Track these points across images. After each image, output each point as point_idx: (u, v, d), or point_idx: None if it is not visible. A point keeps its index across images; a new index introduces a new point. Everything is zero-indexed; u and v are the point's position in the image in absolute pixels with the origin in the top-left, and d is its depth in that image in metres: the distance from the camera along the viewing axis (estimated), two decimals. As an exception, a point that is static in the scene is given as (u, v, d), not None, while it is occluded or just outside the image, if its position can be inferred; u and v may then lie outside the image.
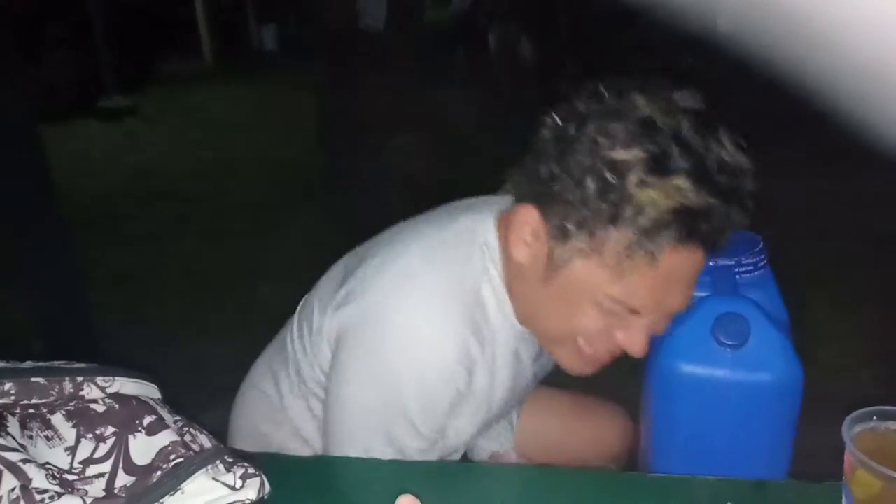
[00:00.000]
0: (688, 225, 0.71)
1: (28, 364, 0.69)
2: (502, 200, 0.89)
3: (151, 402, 0.68)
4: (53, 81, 5.35)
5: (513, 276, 0.83)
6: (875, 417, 0.67)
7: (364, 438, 0.85)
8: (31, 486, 0.56)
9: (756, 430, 0.86)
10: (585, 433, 1.22)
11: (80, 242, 2.39)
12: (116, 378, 0.69)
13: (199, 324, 2.71)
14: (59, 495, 0.57)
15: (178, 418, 0.69)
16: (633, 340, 0.78)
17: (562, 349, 0.83)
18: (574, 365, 0.84)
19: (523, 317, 0.85)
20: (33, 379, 0.66)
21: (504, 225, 0.84)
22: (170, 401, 0.72)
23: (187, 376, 2.21)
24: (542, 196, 0.78)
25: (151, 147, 5.18)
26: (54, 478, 0.59)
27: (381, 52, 4.17)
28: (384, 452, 0.84)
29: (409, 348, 0.81)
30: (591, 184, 0.73)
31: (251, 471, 0.61)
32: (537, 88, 5.55)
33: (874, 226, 3.24)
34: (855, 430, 0.66)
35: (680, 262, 0.73)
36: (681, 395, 0.87)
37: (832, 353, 2.44)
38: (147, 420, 0.64)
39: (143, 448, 0.62)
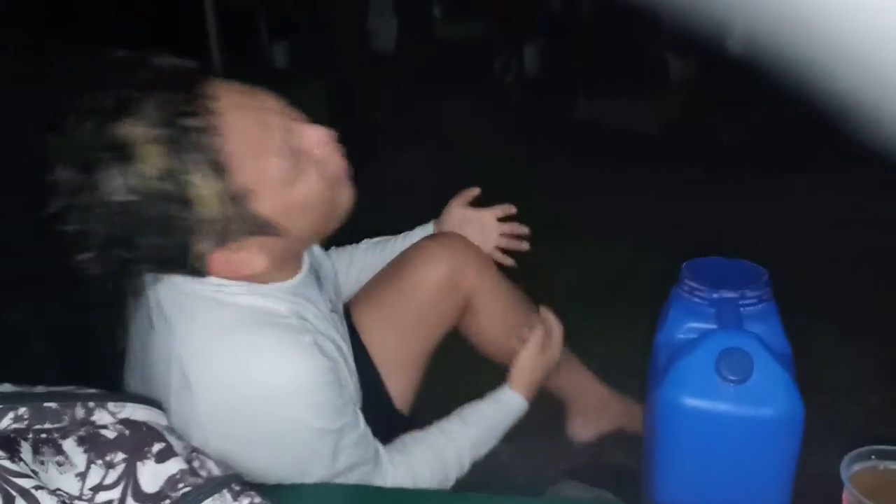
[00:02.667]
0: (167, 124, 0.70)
1: (41, 388, 0.70)
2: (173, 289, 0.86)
3: (160, 429, 0.69)
4: (62, 94, 5.40)
5: (264, 276, 0.83)
6: (873, 456, 0.68)
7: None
8: (42, 512, 0.58)
9: (758, 463, 0.86)
10: (416, 301, 1.17)
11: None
12: (127, 404, 0.71)
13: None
14: (70, 521, 0.58)
15: (185, 444, 0.70)
16: (312, 138, 0.80)
17: (335, 203, 0.84)
18: (348, 196, 0.85)
19: (288, 258, 0.86)
20: (46, 404, 0.68)
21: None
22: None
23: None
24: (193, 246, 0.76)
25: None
26: None
27: (392, 70, 4.23)
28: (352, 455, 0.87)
29: (275, 391, 0.81)
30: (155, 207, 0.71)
31: (257, 500, 0.62)
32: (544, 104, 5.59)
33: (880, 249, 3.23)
34: (853, 469, 0.67)
35: (224, 121, 0.73)
36: (684, 427, 0.87)
37: (838, 382, 2.43)
38: (156, 447, 0.65)
39: (151, 475, 0.63)
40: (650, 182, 4.10)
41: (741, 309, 0.93)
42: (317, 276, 0.96)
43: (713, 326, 0.91)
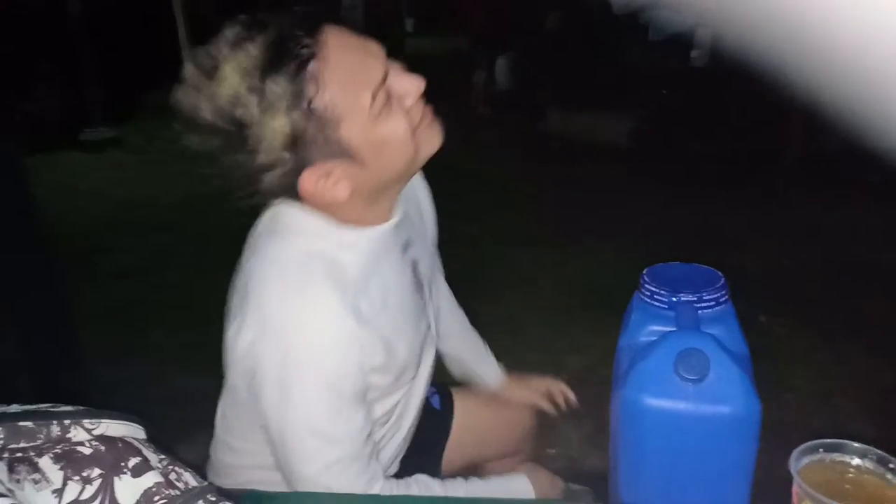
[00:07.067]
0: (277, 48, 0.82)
1: (15, 407, 0.71)
2: (274, 213, 1.00)
3: (136, 444, 0.71)
4: (36, 114, 5.36)
5: (348, 210, 0.94)
6: (821, 450, 0.71)
7: (322, 422, 0.94)
8: (19, 529, 0.59)
9: (717, 460, 0.89)
10: (501, 431, 1.42)
11: (66, 275, 2.39)
12: (102, 420, 0.72)
13: (186, 356, 2.72)
14: (47, 537, 0.59)
15: (162, 457, 0.71)
16: (405, 87, 0.90)
17: (417, 148, 0.93)
18: (433, 140, 0.95)
19: (375, 198, 0.95)
20: (21, 423, 0.69)
21: (304, 208, 0.94)
22: (156, 434, 0.75)
23: (174, 408, 2.22)
24: (289, 162, 0.87)
25: (136, 178, 5.20)
26: (42, 520, 0.62)
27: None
28: (352, 416, 0.95)
29: (305, 345, 0.91)
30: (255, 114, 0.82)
31: (233, 509, 0.64)
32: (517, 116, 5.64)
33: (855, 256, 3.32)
34: (802, 463, 0.70)
35: (322, 49, 0.84)
36: (646, 427, 0.90)
37: (807, 382, 2.49)
38: (132, 462, 0.67)
39: (128, 489, 0.64)
40: (619, 192, 4.17)
41: (699, 312, 0.96)
42: (405, 246, 1.05)
43: (673, 329, 0.94)
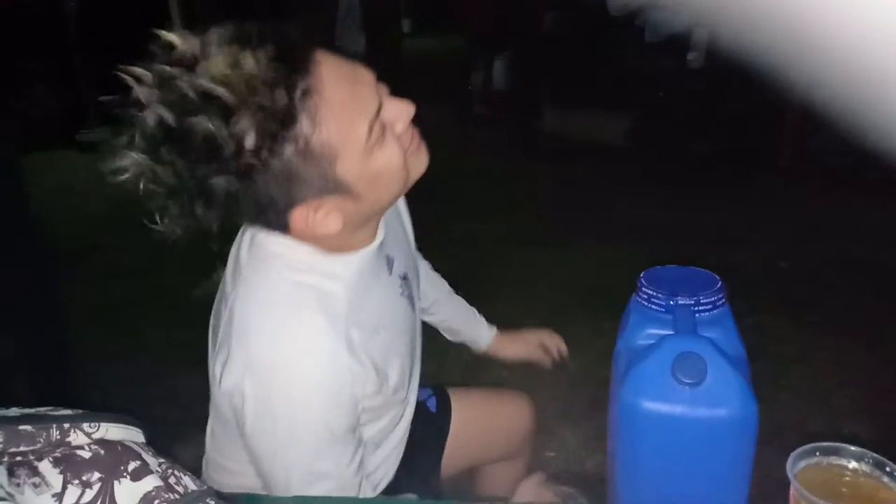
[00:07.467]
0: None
1: (14, 411, 0.72)
2: (253, 239, 0.96)
3: (136, 447, 0.71)
4: (34, 114, 5.35)
5: (336, 240, 0.90)
6: (818, 453, 0.71)
7: (307, 464, 0.92)
8: (19, 533, 0.59)
9: (715, 463, 0.90)
10: (500, 432, 1.41)
11: (63, 274, 2.39)
12: (101, 423, 0.72)
13: (185, 354, 2.72)
14: (48, 541, 0.59)
15: (162, 461, 0.71)
16: (396, 113, 0.87)
17: (408, 173, 0.90)
18: (421, 162, 0.93)
19: (363, 225, 0.92)
20: (21, 427, 0.69)
21: (291, 238, 0.90)
22: (154, 433, 0.75)
23: (172, 407, 2.22)
24: (279, 197, 0.83)
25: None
26: (41, 524, 0.62)
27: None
28: (342, 450, 0.93)
29: (295, 382, 0.88)
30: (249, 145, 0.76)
31: (232, 513, 0.64)
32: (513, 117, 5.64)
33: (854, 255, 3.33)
34: (799, 466, 0.70)
35: (318, 83, 0.79)
36: (644, 430, 0.91)
37: (805, 383, 2.49)
38: (132, 466, 0.67)
39: (128, 493, 0.65)
40: (617, 192, 4.17)
41: (696, 315, 0.96)
42: (390, 261, 1.03)
43: (670, 332, 0.94)
